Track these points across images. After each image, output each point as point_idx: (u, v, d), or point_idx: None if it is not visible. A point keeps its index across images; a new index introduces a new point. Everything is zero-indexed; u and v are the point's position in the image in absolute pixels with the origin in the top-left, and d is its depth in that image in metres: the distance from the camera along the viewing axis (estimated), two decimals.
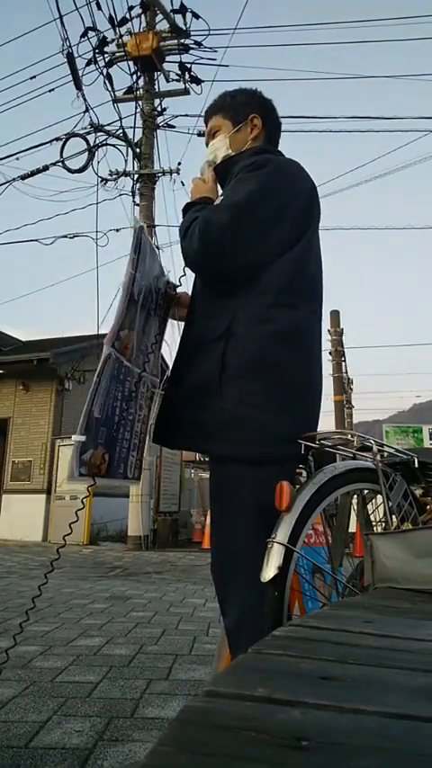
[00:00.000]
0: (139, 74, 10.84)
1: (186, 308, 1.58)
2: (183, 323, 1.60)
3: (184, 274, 1.61)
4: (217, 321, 1.38)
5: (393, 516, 1.43)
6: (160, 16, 10.67)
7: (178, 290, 1.69)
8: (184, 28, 10.41)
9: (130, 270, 1.39)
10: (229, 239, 1.34)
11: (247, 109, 1.55)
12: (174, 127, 10.91)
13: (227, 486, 1.38)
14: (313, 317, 1.45)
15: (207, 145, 1.62)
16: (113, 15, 9.82)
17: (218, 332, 1.37)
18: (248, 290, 1.37)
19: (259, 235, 1.36)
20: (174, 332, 1.86)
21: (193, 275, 1.55)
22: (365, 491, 1.53)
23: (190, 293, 1.60)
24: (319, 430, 1.46)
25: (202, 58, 10.66)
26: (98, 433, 1.33)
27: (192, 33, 10.50)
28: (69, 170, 10.17)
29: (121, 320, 1.36)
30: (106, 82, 10.22)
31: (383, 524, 1.46)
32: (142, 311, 1.48)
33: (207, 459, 1.65)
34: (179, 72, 10.80)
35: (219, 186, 1.58)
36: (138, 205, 10.46)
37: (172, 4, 10.72)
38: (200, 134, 10.23)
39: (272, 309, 1.35)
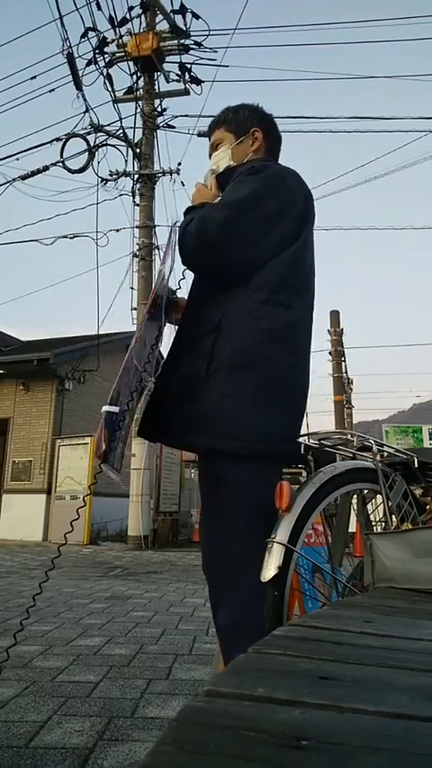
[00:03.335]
0: (139, 74, 10.84)
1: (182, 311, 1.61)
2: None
3: (184, 278, 1.61)
4: (209, 316, 1.40)
5: (393, 516, 1.43)
6: (160, 16, 10.68)
7: (177, 293, 1.71)
8: (184, 28, 10.41)
9: (167, 269, 1.39)
10: (224, 236, 1.37)
11: (248, 123, 1.61)
12: (174, 127, 10.91)
13: (212, 482, 1.37)
14: (305, 315, 1.47)
15: (210, 156, 1.67)
16: (113, 15, 9.83)
17: (209, 326, 1.39)
18: (243, 286, 1.39)
19: (255, 233, 1.39)
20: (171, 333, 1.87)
21: (191, 276, 1.56)
22: (365, 491, 1.53)
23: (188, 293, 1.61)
24: (318, 430, 1.46)
25: (203, 59, 10.67)
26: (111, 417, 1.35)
27: (192, 34, 10.50)
28: (69, 170, 10.17)
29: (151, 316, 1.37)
30: (106, 82, 10.24)
31: (383, 524, 1.46)
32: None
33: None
34: (179, 72, 10.81)
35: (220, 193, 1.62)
36: (138, 205, 10.46)
37: (172, 5, 10.75)
38: (200, 134, 10.23)
39: (264, 306, 1.37)
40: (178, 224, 1.51)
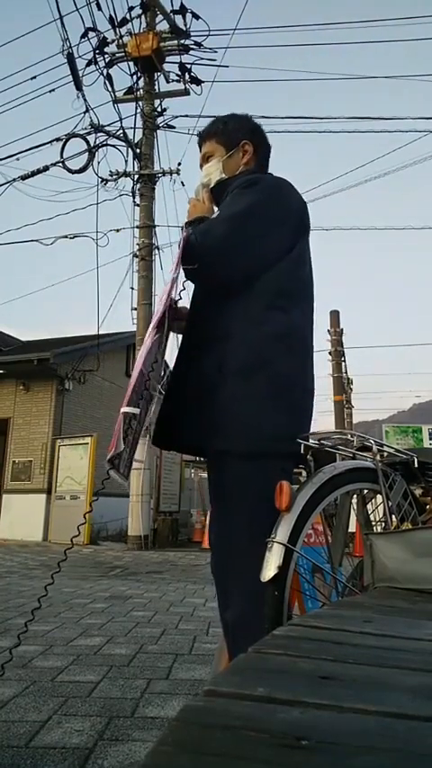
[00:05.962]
0: (139, 74, 10.84)
1: (185, 320, 1.64)
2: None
3: (184, 288, 1.62)
4: (217, 323, 1.45)
5: (393, 516, 1.43)
6: (160, 17, 10.68)
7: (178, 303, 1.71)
8: (184, 28, 10.41)
9: (180, 278, 1.37)
10: (223, 249, 1.42)
11: (238, 135, 1.64)
12: (174, 127, 10.91)
13: (225, 482, 1.40)
14: (304, 319, 1.51)
15: (201, 168, 1.70)
16: (113, 16, 9.84)
17: (217, 334, 1.44)
18: (246, 294, 1.44)
19: (255, 244, 1.44)
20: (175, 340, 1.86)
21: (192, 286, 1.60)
22: (365, 491, 1.53)
23: (189, 302, 1.64)
24: (319, 430, 1.47)
25: (202, 59, 10.68)
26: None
27: (192, 34, 10.51)
28: (70, 170, 10.17)
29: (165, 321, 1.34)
30: (106, 82, 10.24)
31: (383, 524, 1.46)
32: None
33: (203, 459, 1.65)
34: (179, 72, 10.82)
35: (215, 207, 1.66)
36: (138, 205, 10.46)
37: (172, 5, 10.75)
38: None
39: (267, 312, 1.42)
40: (184, 235, 1.52)
